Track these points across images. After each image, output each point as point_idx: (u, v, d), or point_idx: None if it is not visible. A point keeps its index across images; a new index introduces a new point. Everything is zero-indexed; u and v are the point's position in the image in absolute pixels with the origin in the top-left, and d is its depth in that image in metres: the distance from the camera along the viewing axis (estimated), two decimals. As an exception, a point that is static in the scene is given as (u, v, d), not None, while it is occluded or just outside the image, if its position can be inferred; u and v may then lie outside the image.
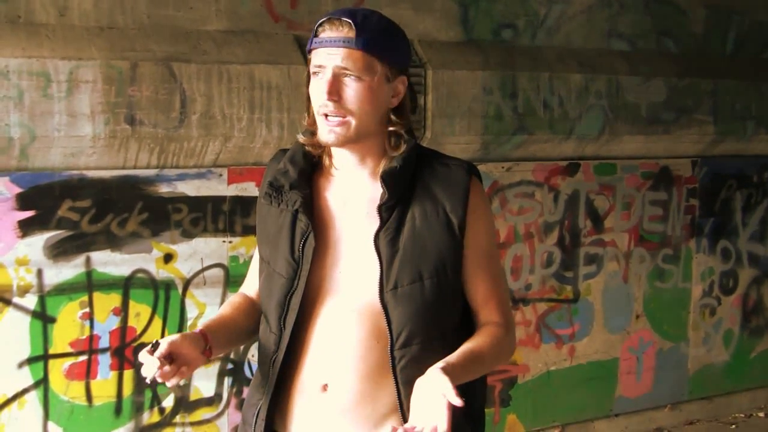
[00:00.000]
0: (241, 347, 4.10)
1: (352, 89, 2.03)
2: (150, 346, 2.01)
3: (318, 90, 2.04)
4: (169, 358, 1.98)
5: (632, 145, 5.13)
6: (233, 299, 2.36)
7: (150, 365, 1.95)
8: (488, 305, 2.16)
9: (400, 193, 2.09)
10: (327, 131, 2.05)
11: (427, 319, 2.07)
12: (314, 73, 2.07)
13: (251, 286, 2.37)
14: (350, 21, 2.02)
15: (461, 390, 2.15)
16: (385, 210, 2.08)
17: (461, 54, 4.51)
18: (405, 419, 2.06)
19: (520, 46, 4.78)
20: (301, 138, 2.19)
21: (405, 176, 2.10)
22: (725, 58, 5.61)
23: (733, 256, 5.82)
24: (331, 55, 2.02)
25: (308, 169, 2.18)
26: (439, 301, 2.10)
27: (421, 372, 2.00)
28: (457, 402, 1.79)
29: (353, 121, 2.04)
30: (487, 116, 4.52)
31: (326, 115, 2.04)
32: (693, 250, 5.59)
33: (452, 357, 1.99)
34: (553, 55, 4.84)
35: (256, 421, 2.18)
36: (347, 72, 2.02)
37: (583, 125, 4.87)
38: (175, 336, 2.04)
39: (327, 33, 2.04)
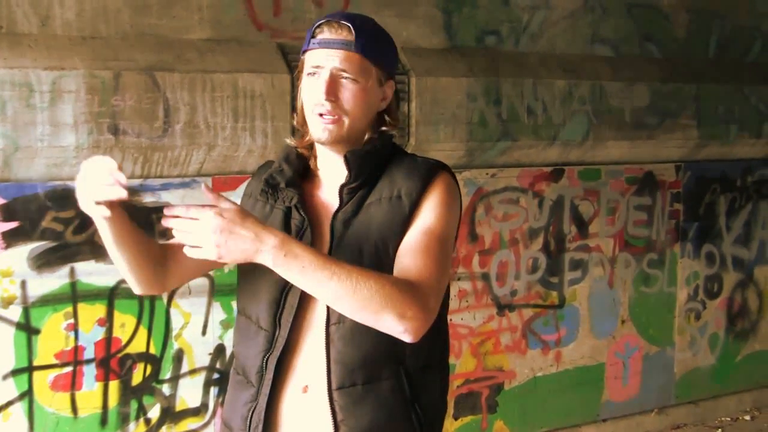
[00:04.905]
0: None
1: (348, 91, 2.07)
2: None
3: (315, 89, 2.07)
4: None
5: (616, 150, 5.15)
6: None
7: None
8: (402, 262, 2.01)
9: (363, 177, 2.11)
10: (321, 129, 2.08)
11: None
12: (311, 73, 2.09)
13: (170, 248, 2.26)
14: (349, 24, 2.07)
15: (415, 390, 2.10)
16: (346, 192, 2.11)
17: (445, 61, 4.52)
18: (332, 403, 2.05)
19: (504, 52, 4.79)
20: (291, 141, 2.23)
21: (371, 162, 2.12)
22: (708, 62, 5.63)
23: (718, 260, 5.84)
24: (329, 57, 2.06)
25: (300, 170, 2.21)
26: None
27: (353, 350, 2.01)
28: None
29: (347, 121, 2.09)
30: (472, 123, 4.52)
31: (321, 114, 2.07)
32: (678, 255, 5.61)
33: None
34: (537, 61, 4.85)
35: (250, 423, 2.13)
36: (345, 74, 2.06)
37: (568, 131, 4.88)
38: None
39: (326, 35, 2.08)
